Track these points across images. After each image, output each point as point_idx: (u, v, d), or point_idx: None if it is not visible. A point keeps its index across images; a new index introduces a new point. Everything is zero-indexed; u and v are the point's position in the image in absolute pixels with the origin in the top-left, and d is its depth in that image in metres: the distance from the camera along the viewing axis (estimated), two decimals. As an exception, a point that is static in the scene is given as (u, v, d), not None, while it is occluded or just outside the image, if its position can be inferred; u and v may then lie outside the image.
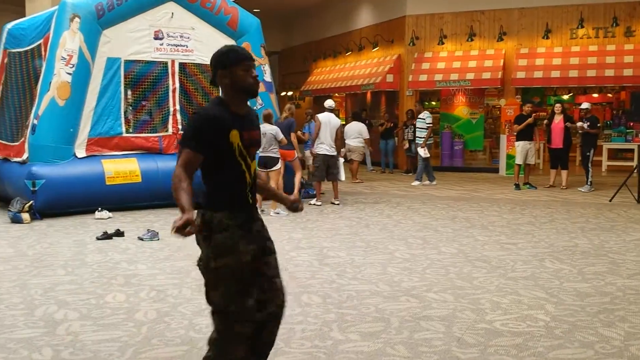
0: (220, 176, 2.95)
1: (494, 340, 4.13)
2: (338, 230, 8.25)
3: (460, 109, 18.77)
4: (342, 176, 10.99)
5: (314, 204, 10.43)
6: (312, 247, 7.16)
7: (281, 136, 9.69)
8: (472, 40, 17.14)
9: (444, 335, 4.22)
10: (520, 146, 12.75)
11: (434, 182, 13.60)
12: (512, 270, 6.02)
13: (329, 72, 21.30)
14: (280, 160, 9.73)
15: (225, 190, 2.96)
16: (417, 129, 13.88)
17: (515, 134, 13.09)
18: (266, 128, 9.59)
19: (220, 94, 3.06)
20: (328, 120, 10.63)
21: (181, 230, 2.63)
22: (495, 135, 17.87)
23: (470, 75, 16.69)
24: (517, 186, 12.71)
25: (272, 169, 9.63)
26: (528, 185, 12.80)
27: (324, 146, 10.54)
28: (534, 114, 12.80)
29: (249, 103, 3.12)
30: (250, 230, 3.00)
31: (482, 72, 16.62)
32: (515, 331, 4.30)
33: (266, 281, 3.04)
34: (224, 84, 2.99)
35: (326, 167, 10.55)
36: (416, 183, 13.53)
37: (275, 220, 8.98)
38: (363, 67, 19.32)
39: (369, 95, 20.30)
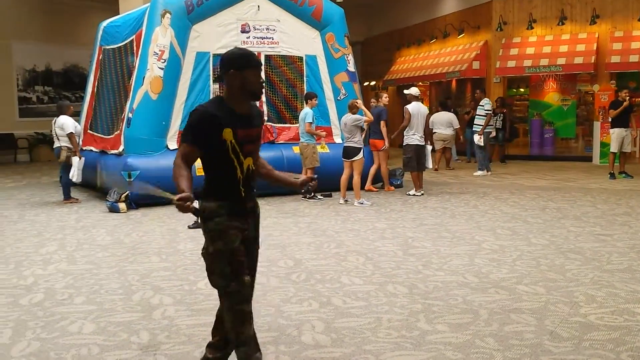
0: (214, 170, 3.20)
1: (588, 334, 3.98)
2: (422, 220, 8.17)
3: (551, 95, 18.13)
4: (430, 164, 10.86)
5: (414, 195, 10.33)
6: (396, 237, 7.13)
7: (364, 119, 9.63)
8: (563, 24, 16.48)
9: (536, 328, 4.11)
10: (616, 133, 12.18)
11: (482, 173, 13.29)
12: (608, 263, 5.77)
13: (413, 61, 21.05)
14: (362, 151, 9.68)
15: (218, 182, 3.19)
16: (476, 117, 13.61)
17: (610, 120, 12.52)
18: (347, 118, 9.59)
19: (222, 93, 3.23)
20: (417, 110, 10.46)
21: (181, 204, 2.92)
22: (588, 122, 17.15)
23: (561, 61, 16.06)
24: (612, 175, 12.15)
25: (354, 159, 9.60)
26: (624, 175, 12.21)
27: (416, 136, 10.38)
28: (629, 99, 12.19)
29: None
30: (241, 219, 3.22)
31: (574, 57, 15.97)
32: (611, 325, 4.13)
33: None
34: (232, 84, 3.16)
35: (417, 157, 10.44)
36: (479, 173, 13.25)
37: (359, 210, 9.00)
38: (448, 55, 18.98)
39: (454, 83, 19.93)
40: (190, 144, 3.13)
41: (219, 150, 3.13)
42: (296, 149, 10.43)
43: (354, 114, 9.62)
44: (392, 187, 11.16)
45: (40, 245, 6.92)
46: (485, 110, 13.25)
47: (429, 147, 10.89)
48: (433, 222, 7.99)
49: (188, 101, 10.17)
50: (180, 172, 3.09)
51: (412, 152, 10.37)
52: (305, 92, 10.95)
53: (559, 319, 4.27)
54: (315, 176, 3.65)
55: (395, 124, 13.74)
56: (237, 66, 3.13)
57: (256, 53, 10.51)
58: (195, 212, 3.07)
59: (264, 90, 3.39)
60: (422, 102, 11.58)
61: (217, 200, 3.16)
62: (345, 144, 9.72)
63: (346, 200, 9.69)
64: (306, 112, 9.99)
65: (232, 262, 3.14)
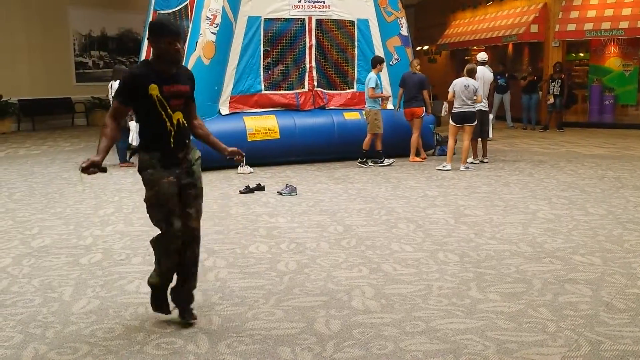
0: (146, 124, 3.58)
1: (647, 307, 3.88)
2: (475, 188, 8.05)
3: (612, 60, 17.44)
4: (491, 133, 10.56)
5: (472, 163, 10.10)
6: (447, 205, 7.05)
7: (480, 92, 9.47)
8: (627, -16, 15.72)
9: (591, 299, 4.02)
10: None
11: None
12: (669, 235, 5.58)
13: (468, 24, 20.52)
14: (477, 116, 9.58)
15: (150, 135, 3.57)
16: None
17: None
18: (469, 81, 9.45)
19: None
20: (482, 75, 10.19)
21: (85, 169, 3.27)
22: (652, 88, 16.46)
23: (624, 24, 15.38)
24: (676, 144, 11.68)
25: (469, 124, 9.52)
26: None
27: (480, 103, 10.13)
28: None
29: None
30: (172, 169, 3.54)
31: (637, 21, 15.26)
32: (671, 299, 4.01)
33: (182, 210, 3.60)
34: (153, 51, 3.52)
35: (480, 124, 10.14)
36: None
37: (410, 178, 8.92)
38: (505, 18, 18.43)
39: (510, 47, 19.39)
40: (119, 102, 3.49)
41: (147, 104, 3.47)
42: (346, 115, 10.39)
43: (472, 78, 9.49)
44: (417, 158, 10.61)
45: (98, 207, 7.13)
46: None
47: (491, 115, 10.59)
48: (486, 190, 7.86)
49: (240, 66, 10.18)
50: (104, 131, 3.44)
51: (476, 119, 10.09)
52: (356, 57, 10.84)
53: (616, 291, 4.17)
54: (242, 153, 3.93)
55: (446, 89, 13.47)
56: (153, 35, 3.46)
57: (307, 17, 10.60)
58: (101, 170, 3.34)
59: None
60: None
61: (149, 152, 3.53)
62: (462, 109, 9.49)
63: (469, 165, 9.56)
64: (370, 77, 9.91)
65: (162, 209, 3.51)
